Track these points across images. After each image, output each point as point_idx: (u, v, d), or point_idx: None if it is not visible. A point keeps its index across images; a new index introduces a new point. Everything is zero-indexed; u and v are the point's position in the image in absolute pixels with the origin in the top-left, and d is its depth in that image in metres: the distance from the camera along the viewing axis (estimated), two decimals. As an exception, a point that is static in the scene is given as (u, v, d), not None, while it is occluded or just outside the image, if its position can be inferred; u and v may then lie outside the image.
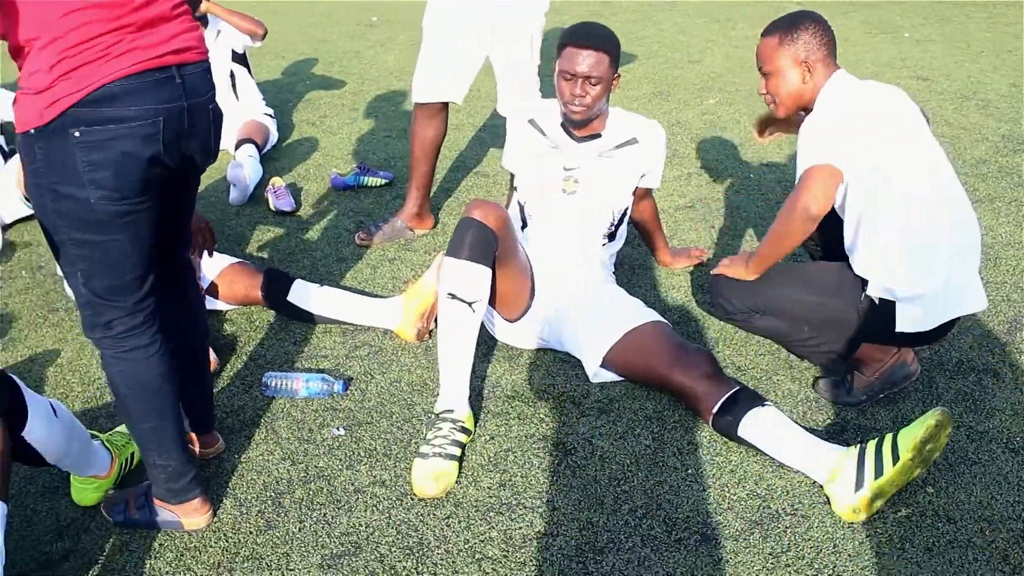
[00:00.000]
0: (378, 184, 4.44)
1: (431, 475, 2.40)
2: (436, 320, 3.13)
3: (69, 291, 3.43)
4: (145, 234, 2.05)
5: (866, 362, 2.73)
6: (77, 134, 1.87)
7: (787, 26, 2.66)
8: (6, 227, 4.15)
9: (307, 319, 3.22)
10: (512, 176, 3.24)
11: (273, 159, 4.88)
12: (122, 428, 2.58)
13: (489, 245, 2.67)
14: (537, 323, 2.99)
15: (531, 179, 3.07)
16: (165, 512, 2.31)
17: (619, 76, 2.95)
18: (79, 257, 2.02)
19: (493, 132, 5.18)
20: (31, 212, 4.25)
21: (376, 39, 7.94)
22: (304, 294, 3.21)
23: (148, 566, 2.22)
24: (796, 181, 2.57)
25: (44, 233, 2.04)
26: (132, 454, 2.53)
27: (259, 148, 4.63)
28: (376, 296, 3.42)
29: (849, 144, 2.53)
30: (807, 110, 2.70)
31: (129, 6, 1.89)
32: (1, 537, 1.92)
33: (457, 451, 2.49)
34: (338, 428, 2.69)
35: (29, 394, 2.10)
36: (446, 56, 3.55)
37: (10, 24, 1.85)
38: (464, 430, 2.56)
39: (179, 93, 1.98)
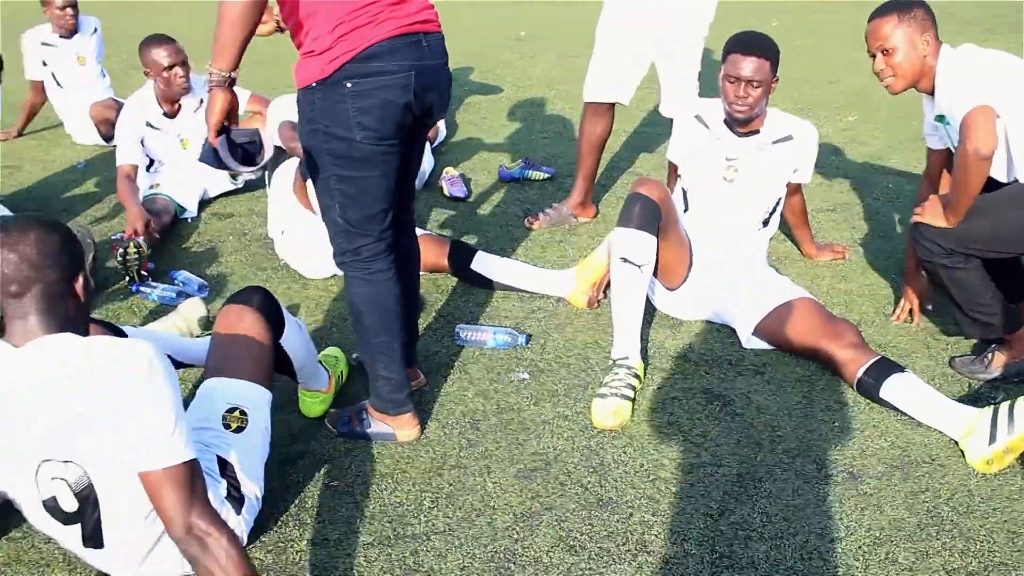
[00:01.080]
0: (541, 178, 4.86)
1: (610, 411, 2.78)
2: (605, 290, 3.52)
3: (279, 251, 3.95)
4: (392, 172, 2.51)
5: (1014, 343, 2.98)
6: (349, 85, 2.34)
7: (902, 6, 2.94)
8: (209, 200, 4.74)
9: (487, 285, 3.64)
10: (672, 168, 3.60)
11: (443, 153, 5.36)
12: (330, 351, 3.07)
13: (654, 216, 3.05)
14: (695, 292, 3.34)
15: (695, 167, 3.43)
16: (381, 425, 2.75)
17: (777, 80, 3.28)
18: (339, 191, 2.48)
19: (644, 137, 5.56)
20: (236, 187, 4.84)
21: (525, 52, 8.43)
22: (486, 263, 3.63)
23: (368, 467, 2.65)
24: (958, 135, 2.77)
25: (310, 172, 2.50)
26: (342, 372, 3.02)
27: (431, 142, 5.11)
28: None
29: (994, 82, 2.77)
30: (917, 88, 2.98)
31: None
32: (268, 420, 2.38)
33: (631, 393, 2.86)
34: (523, 373, 3.09)
35: (283, 310, 2.57)
36: (616, 60, 3.94)
37: (295, 3, 2.33)
38: (636, 376, 2.93)
39: (425, 54, 2.44)
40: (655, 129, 5.71)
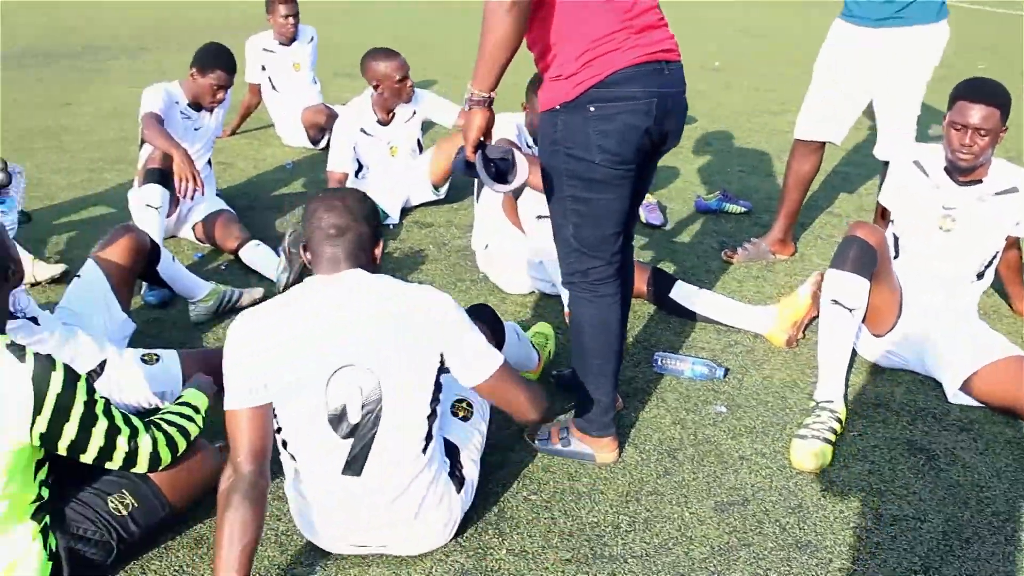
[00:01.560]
0: (738, 211, 4.85)
1: (810, 453, 2.76)
2: (805, 330, 3.49)
3: (481, 264, 4.10)
4: (627, 196, 2.59)
5: None
6: (592, 109, 2.44)
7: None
8: (411, 208, 4.94)
9: (684, 315, 3.67)
10: (882, 211, 3.53)
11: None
12: (540, 327, 3.35)
13: (870, 260, 3.02)
14: (902, 341, 3.27)
15: (910, 214, 3.35)
16: (582, 445, 2.82)
17: (1006, 129, 3.18)
18: (574, 212, 2.57)
19: (843, 176, 5.46)
20: (436, 197, 5.03)
21: (719, 82, 8.39)
22: (686, 293, 3.66)
23: (567, 485, 2.72)
24: None
25: (546, 192, 2.61)
26: (550, 351, 3.25)
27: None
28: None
29: None
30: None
31: (631, 12, 2.45)
32: (487, 417, 2.61)
33: (832, 436, 2.84)
34: (720, 406, 3.11)
35: (502, 321, 2.75)
36: (832, 99, 3.91)
37: (545, 29, 2.44)
38: (839, 420, 2.90)
39: (667, 81, 2.51)
40: (855, 169, 5.60)
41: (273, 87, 6.34)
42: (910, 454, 2.87)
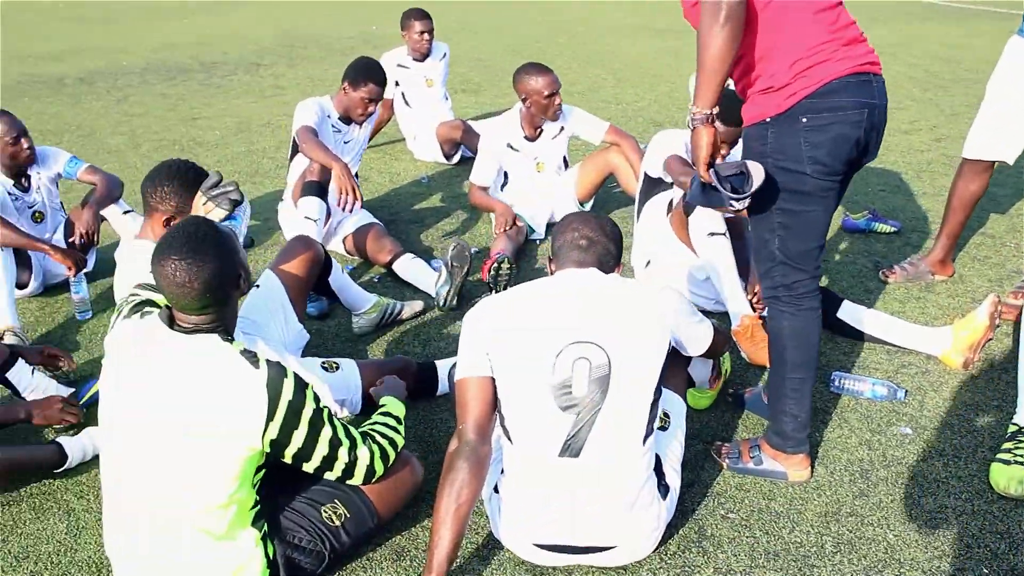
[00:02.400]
0: (888, 231, 4.78)
1: (1015, 478, 2.71)
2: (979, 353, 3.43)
3: (639, 279, 4.09)
4: (831, 208, 2.62)
5: None
6: (805, 120, 2.47)
7: None
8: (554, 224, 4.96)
9: (852, 335, 3.63)
10: None
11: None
12: None
13: None
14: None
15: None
16: (775, 463, 2.81)
17: None
18: (780, 224, 2.60)
19: (990, 196, 5.33)
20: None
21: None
22: (854, 313, 3.62)
23: (763, 504, 2.71)
24: None
25: (752, 207, 2.58)
26: (726, 370, 3.25)
27: None
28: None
29: None
30: None
31: (837, 24, 2.48)
32: (684, 430, 2.51)
33: (1034, 463, 2.78)
34: (905, 428, 3.07)
35: None
36: (1005, 118, 3.83)
37: (750, 44, 2.46)
38: (1043, 448, 2.84)
39: (875, 93, 2.52)
40: (1001, 189, 5.46)
41: (406, 102, 6.45)
42: (1113, 482, 2.79)
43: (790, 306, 2.67)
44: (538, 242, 4.85)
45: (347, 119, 4.81)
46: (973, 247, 4.65)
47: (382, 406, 2.71)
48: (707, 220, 3.69)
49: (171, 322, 2.27)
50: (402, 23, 6.35)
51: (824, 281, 4.24)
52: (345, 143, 4.83)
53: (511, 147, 4.87)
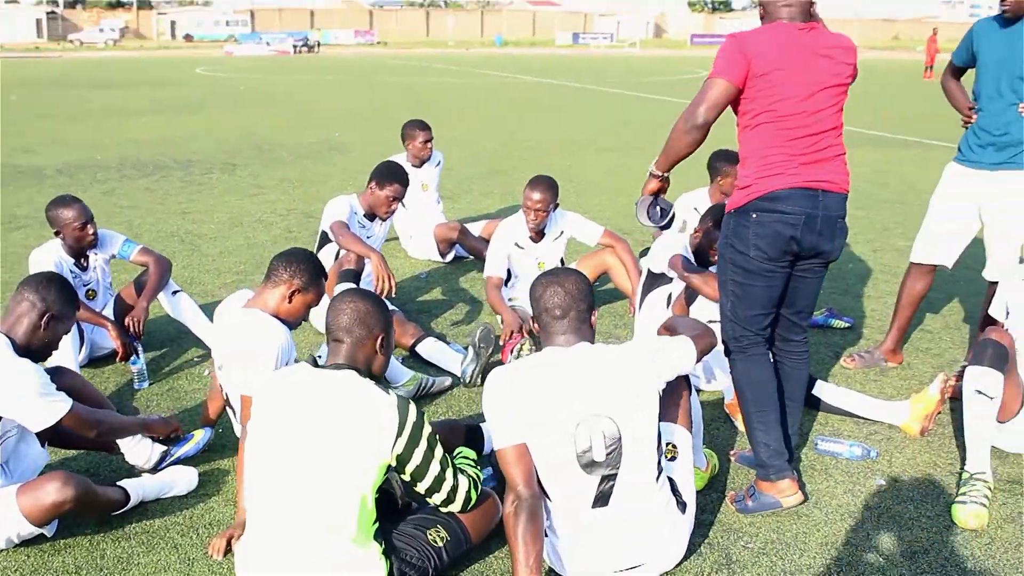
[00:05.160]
0: (842, 326, 5.53)
1: (973, 514, 3.37)
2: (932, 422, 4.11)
3: None
4: (776, 287, 3.37)
5: None
6: (754, 216, 3.26)
7: None
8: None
9: (829, 410, 4.28)
10: (989, 321, 4.19)
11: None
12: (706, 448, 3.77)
13: (1004, 359, 3.64)
14: (1021, 428, 3.87)
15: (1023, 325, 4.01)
16: (766, 496, 3.44)
17: None
18: (732, 292, 3.40)
19: (933, 301, 6.12)
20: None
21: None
22: (827, 390, 4.30)
23: (775, 536, 3.30)
24: None
25: (717, 273, 3.50)
26: (715, 464, 3.72)
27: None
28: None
29: None
30: None
31: (806, 148, 3.27)
32: (691, 458, 3.11)
33: (986, 502, 3.43)
34: (880, 479, 3.71)
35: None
36: (943, 226, 4.61)
37: (745, 149, 3.32)
38: (990, 488, 3.49)
39: (818, 205, 3.28)
40: (934, 293, 6.26)
41: (403, 204, 7.05)
42: (1048, 520, 3.46)
43: (740, 354, 3.43)
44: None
45: (371, 216, 5.41)
46: (916, 340, 5.40)
47: (458, 452, 3.25)
48: (707, 310, 4.35)
49: (315, 365, 2.84)
50: (405, 133, 7.02)
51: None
52: (368, 237, 5.41)
53: (518, 245, 5.50)
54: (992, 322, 4.26)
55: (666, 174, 3.55)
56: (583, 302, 3.00)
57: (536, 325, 3.12)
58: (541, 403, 2.85)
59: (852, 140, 12.73)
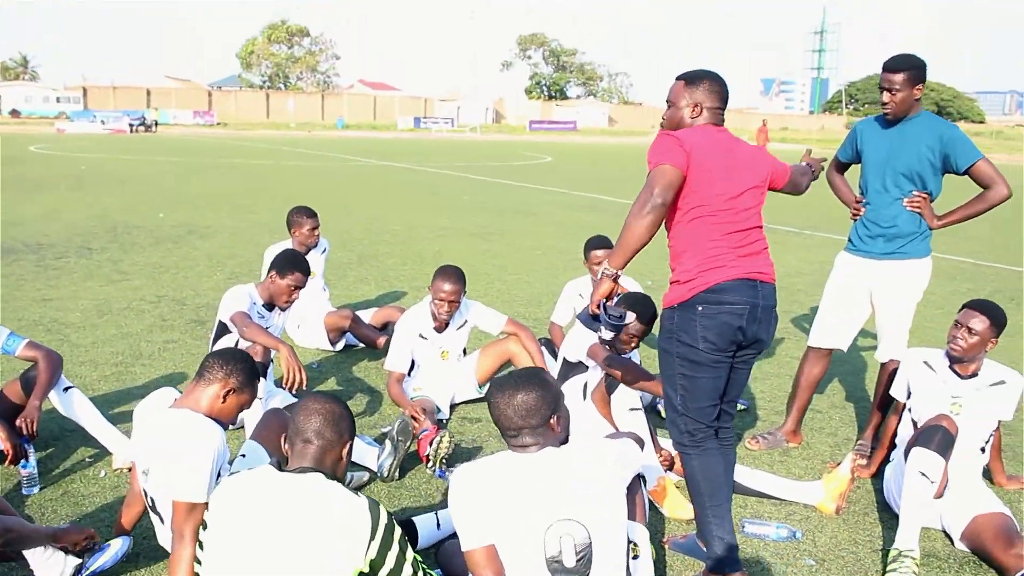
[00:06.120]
0: (741, 409, 5.71)
1: (904, 594, 3.50)
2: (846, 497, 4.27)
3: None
4: (722, 377, 3.45)
5: None
6: (700, 308, 3.35)
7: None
8: (456, 405, 5.53)
9: (746, 492, 4.39)
10: (897, 405, 4.43)
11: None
12: None
13: (950, 444, 3.85)
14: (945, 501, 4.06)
15: (924, 404, 4.24)
16: (717, 588, 3.46)
17: (996, 341, 4.15)
18: (682, 386, 3.44)
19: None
20: (479, 395, 5.63)
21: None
22: (743, 473, 4.40)
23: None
24: None
25: (661, 370, 3.48)
26: (653, 553, 3.70)
27: None
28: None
29: None
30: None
31: (741, 242, 3.41)
32: (651, 559, 3.12)
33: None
34: (810, 560, 3.83)
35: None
36: (839, 314, 4.88)
37: (677, 243, 3.40)
38: (917, 564, 3.65)
39: (758, 295, 3.41)
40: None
41: (293, 293, 6.91)
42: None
43: (694, 449, 3.47)
44: (444, 421, 5.38)
45: (270, 305, 5.26)
46: (809, 420, 5.61)
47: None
48: (627, 397, 4.42)
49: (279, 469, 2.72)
50: (291, 220, 6.89)
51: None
52: (267, 328, 5.25)
53: (422, 336, 5.45)
54: (890, 401, 4.52)
55: (620, 273, 3.41)
56: (544, 411, 2.92)
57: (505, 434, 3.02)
58: (510, 506, 2.80)
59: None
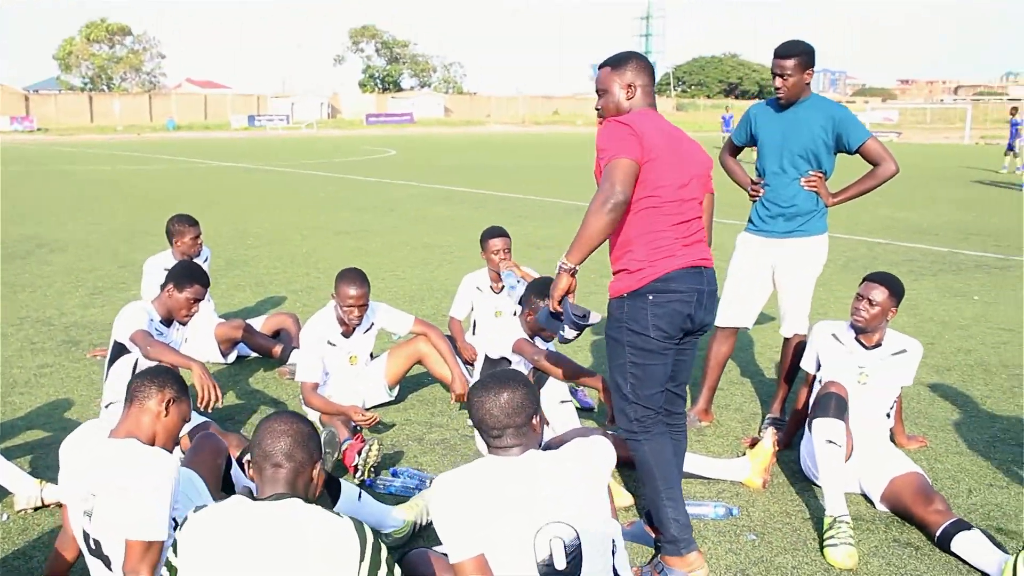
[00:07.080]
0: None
1: (847, 555, 3.68)
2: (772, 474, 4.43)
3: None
4: (669, 363, 3.53)
5: None
6: (651, 297, 3.42)
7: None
8: (367, 409, 5.44)
9: (673, 473, 4.49)
10: (808, 377, 4.63)
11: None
12: None
13: (845, 407, 4.05)
14: (854, 467, 4.26)
15: (834, 374, 4.44)
16: (676, 571, 3.53)
17: (895, 311, 4.38)
18: (632, 374, 3.49)
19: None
20: (390, 399, 5.54)
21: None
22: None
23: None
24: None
25: (609, 361, 3.52)
26: None
27: None
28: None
29: None
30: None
31: (686, 232, 3.49)
32: None
33: (853, 540, 3.75)
34: (751, 535, 3.96)
35: None
36: (743, 293, 5.04)
37: (624, 235, 3.42)
38: (851, 528, 3.82)
39: (703, 281, 3.51)
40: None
41: (175, 307, 6.62)
42: (900, 547, 3.83)
43: (643, 435, 3.54)
44: (359, 428, 5.27)
45: (168, 321, 5.03)
46: (718, 398, 5.79)
47: None
48: (556, 390, 4.45)
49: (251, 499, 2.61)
50: (172, 229, 6.59)
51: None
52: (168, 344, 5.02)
53: (330, 343, 5.32)
54: (798, 373, 4.71)
55: (577, 268, 3.38)
56: (528, 409, 2.89)
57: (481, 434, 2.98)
58: (498, 513, 2.76)
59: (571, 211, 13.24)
